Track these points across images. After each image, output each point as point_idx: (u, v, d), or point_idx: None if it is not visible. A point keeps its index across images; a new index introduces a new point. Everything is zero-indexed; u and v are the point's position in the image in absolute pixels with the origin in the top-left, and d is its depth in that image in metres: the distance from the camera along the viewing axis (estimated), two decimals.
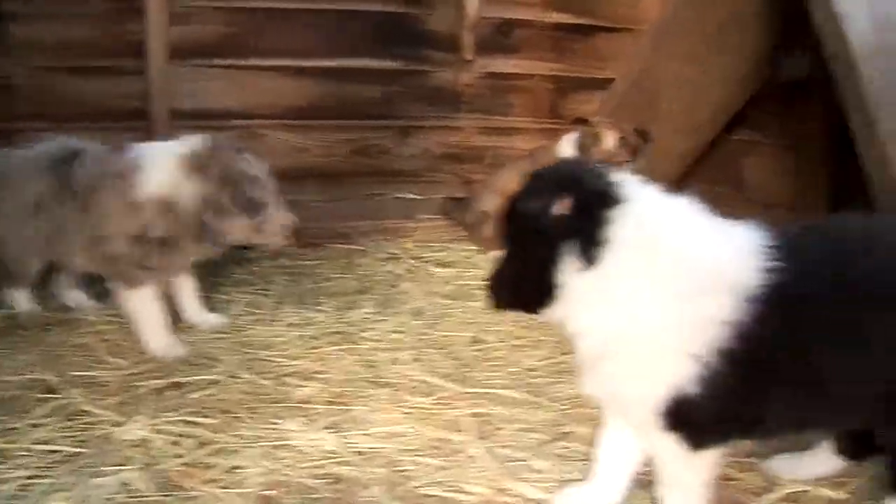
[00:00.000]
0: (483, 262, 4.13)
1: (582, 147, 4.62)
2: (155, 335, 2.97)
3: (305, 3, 5.39)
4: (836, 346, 1.80)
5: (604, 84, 5.92)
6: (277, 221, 3.04)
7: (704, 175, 5.96)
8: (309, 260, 4.21)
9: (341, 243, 4.51)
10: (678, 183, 6.02)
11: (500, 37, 5.79)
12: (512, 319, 3.27)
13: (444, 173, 5.66)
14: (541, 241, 1.88)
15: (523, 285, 1.96)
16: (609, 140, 4.53)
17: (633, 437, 2.05)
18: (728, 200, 5.50)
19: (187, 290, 3.27)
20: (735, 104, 5.57)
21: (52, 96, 5.19)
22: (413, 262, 4.20)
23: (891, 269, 1.83)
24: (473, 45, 5.70)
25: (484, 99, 5.79)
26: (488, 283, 2.04)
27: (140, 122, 5.15)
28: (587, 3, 5.86)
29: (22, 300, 3.38)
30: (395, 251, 4.39)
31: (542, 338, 3.17)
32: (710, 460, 1.93)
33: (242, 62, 5.32)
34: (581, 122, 4.72)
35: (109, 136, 4.98)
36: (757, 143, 5.62)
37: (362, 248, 4.48)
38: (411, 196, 5.42)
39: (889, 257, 1.86)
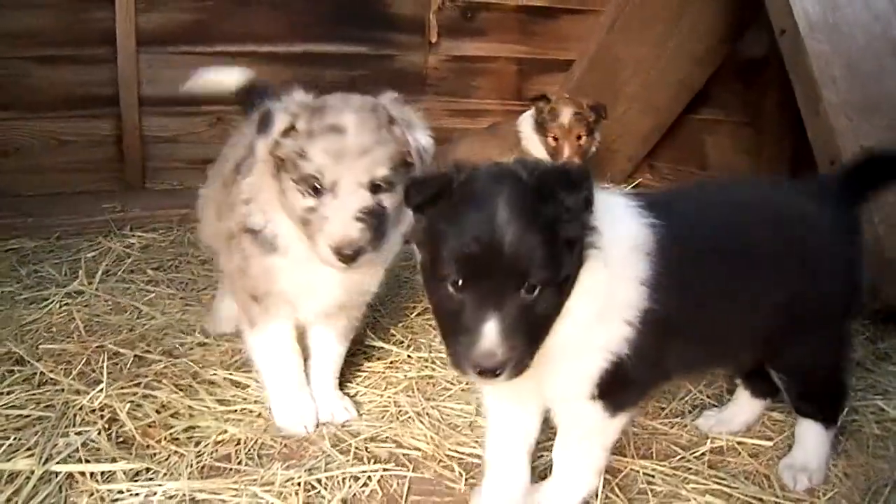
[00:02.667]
0: None
1: (539, 122, 4.74)
2: None
3: None
4: (712, 293, 2.06)
5: (567, 66, 6.04)
6: None
7: (668, 154, 6.09)
8: None
9: None
10: (642, 162, 6.15)
11: (464, 20, 5.90)
12: None
13: None
14: None
15: None
16: (566, 115, 4.64)
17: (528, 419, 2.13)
18: (691, 178, 5.66)
19: None
20: (695, 84, 5.69)
21: (22, 86, 5.25)
22: None
23: (741, 223, 2.17)
24: (438, 28, 5.79)
25: (449, 81, 5.90)
26: None
27: (110, 108, 5.22)
28: None
29: None
30: None
31: None
32: (623, 423, 2.08)
33: (210, 48, 5.39)
34: (540, 98, 4.84)
35: (78, 125, 5.14)
36: (719, 122, 5.75)
37: None
38: None
39: (738, 213, 2.20)
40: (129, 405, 2.44)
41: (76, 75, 5.19)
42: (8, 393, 2.53)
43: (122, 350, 2.83)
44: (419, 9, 5.74)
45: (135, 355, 2.81)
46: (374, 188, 2.26)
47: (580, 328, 1.85)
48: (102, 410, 2.42)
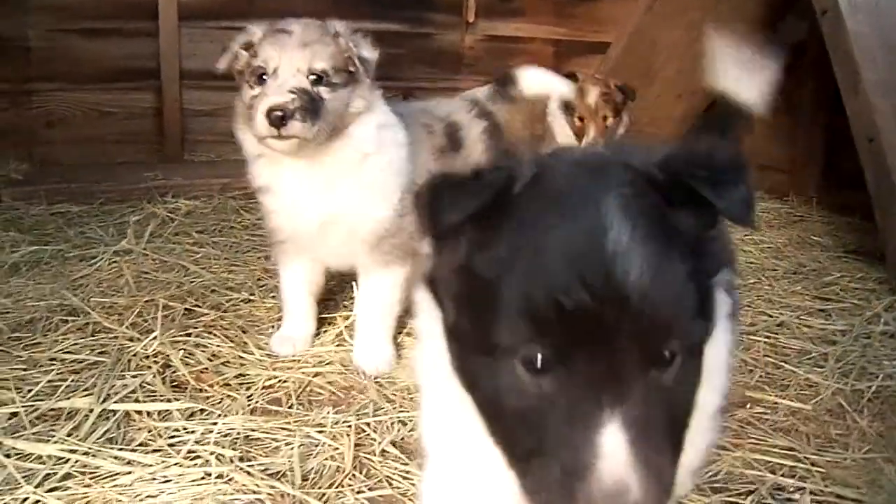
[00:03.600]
0: None
1: (566, 101, 4.76)
2: None
3: None
4: None
5: (604, 48, 6.05)
6: None
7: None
8: None
9: None
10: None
11: (502, 0, 5.93)
12: None
13: None
14: None
15: None
16: (593, 95, 4.65)
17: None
18: None
19: None
20: None
21: (66, 58, 5.35)
22: None
23: None
24: (476, 8, 5.84)
25: (485, 61, 5.93)
26: None
27: (151, 81, 5.31)
28: None
29: None
30: None
31: None
32: None
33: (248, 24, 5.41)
34: (570, 76, 4.86)
35: (120, 97, 5.23)
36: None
37: None
38: None
39: None
40: (181, 352, 2.51)
41: (119, 48, 5.28)
42: (63, 340, 2.61)
43: (171, 304, 2.89)
44: None
45: (184, 309, 2.88)
46: (315, 80, 2.46)
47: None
48: (156, 357, 2.49)
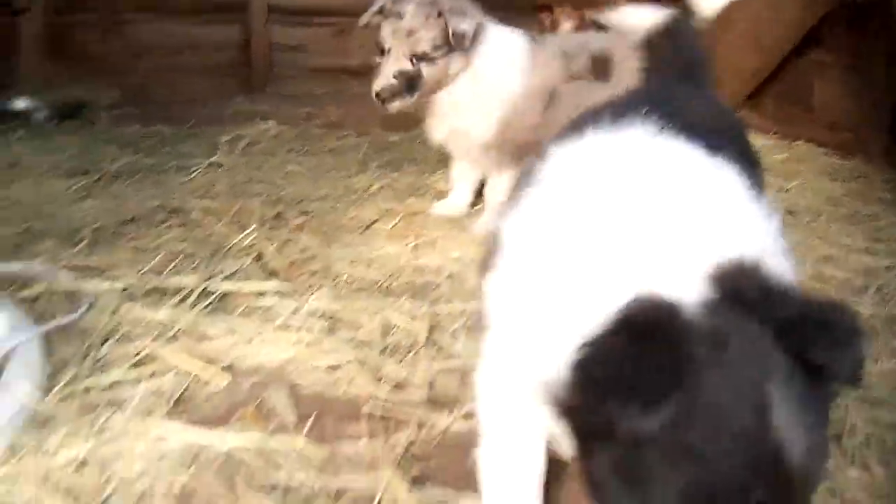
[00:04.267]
0: None
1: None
2: None
3: None
4: None
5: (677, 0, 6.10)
6: None
7: (774, 94, 6.13)
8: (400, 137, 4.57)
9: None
10: (747, 101, 6.20)
11: None
12: None
13: None
14: None
15: None
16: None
17: None
18: (796, 120, 5.72)
19: None
20: (807, 23, 5.70)
21: None
22: None
23: None
24: None
25: None
26: None
27: (240, 15, 5.53)
28: None
29: None
30: None
31: None
32: None
33: None
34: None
35: (208, 30, 5.47)
36: (827, 65, 5.76)
37: None
38: None
39: None
40: (274, 245, 2.76)
41: None
42: (166, 234, 2.89)
43: (263, 209, 3.15)
44: None
45: (275, 213, 3.13)
46: (416, 59, 3.01)
47: None
48: (251, 249, 2.75)
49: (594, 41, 3.32)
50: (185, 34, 5.47)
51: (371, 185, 3.54)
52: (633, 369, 1.00)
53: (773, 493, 1.00)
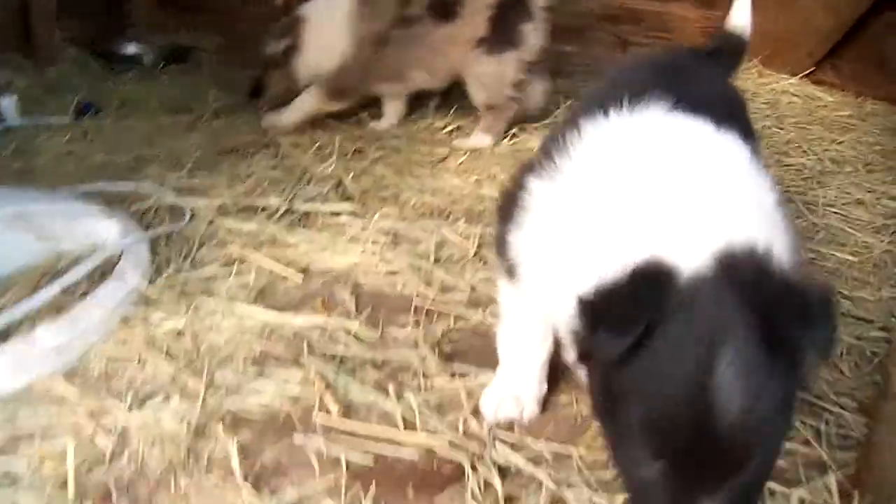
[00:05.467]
0: None
1: None
2: None
3: None
4: None
5: None
6: None
7: (850, 54, 6.19)
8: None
9: None
10: (823, 61, 6.26)
11: None
12: None
13: (602, 32, 6.15)
14: None
15: None
16: None
17: None
18: (871, 78, 5.78)
19: None
20: None
21: None
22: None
23: None
24: None
25: None
26: None
27: None
28: None
29: None
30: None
31: None
32: None
33: None
34: None
35: None
36: None
37: None
38: (569, 49, 5.96)
39: None
40: (352, 175, 3.12)
41: None
42: (259, 163, 3.27)
43: (345, 143, 3.49)
44: None
45: (357, 147, 3.48)
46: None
47: None
48: (332, 176, 3.11)
49: None
50: None
51: (446, 126, 3.84)
52: (615, 307, 1.26)
53: (706, 444, 1.21)
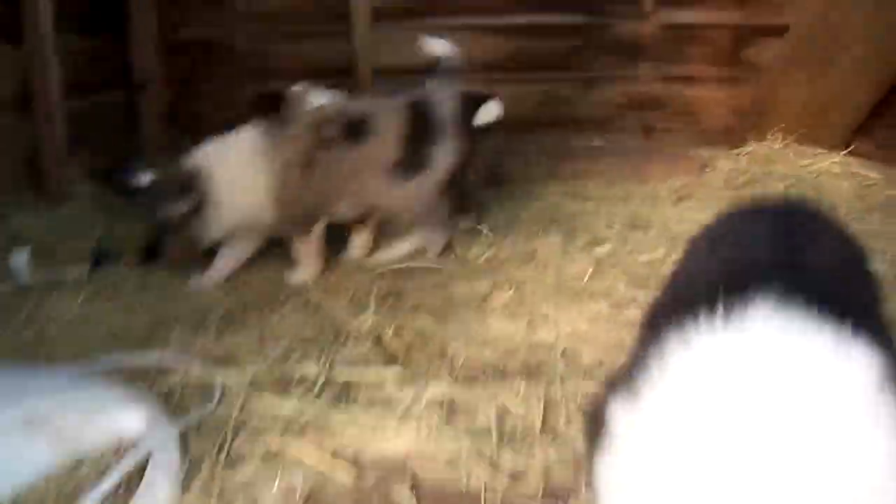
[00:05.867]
0: (658, 197, 4.51)
1: None
2: None
3: None
4: None
5: (784, 31, 6.00)
6: None
7: (885, 121, 5.96)
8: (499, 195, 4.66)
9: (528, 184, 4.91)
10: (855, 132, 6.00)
11: None
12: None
13: (627, 121, 5.99)
14: None
15: None
16: None
17: None
18: None
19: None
20: None
21: (269, 58, 5.90)
22: (594, 199, 4.55)
23: None
24: None
25: (665, 49, 6.03)
26: None
27: (345, 79, 5.74)
28: None
29: None
30: (578, 189, 4.75)
31: None
32: None
33: (437, 21, 5.79)
34: None
35: None
36: None
37: (548, 186, 4.84)
38: (595, 143, 5.79)
39: None
40: (392, 327, 2.86)
41: (316, 49, 5.78)
42: (291, 314, 3.04)
43: (380, 285, 3.27)
44: None
45: (389, 290, 3.25)
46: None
47: None
48: (370, 332, 2.85)
49: (352, 107, 3.59)
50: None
51: (481, 255, 3.62)
52: None
53: None
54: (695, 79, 6.05)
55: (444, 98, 3.62)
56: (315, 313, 3.08)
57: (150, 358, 2.72)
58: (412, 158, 3.46)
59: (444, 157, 3.52)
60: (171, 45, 6.09)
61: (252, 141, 3.39)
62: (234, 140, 3.43)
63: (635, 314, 2.96)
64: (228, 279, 3.53)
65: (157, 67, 6.01)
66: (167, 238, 3.42)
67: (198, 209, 3.34)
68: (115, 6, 5.84)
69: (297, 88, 3.86)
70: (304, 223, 3.48)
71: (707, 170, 5.10)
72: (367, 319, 2.94)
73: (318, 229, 3.51)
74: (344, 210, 3.55)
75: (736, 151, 5.43)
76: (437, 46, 3.76)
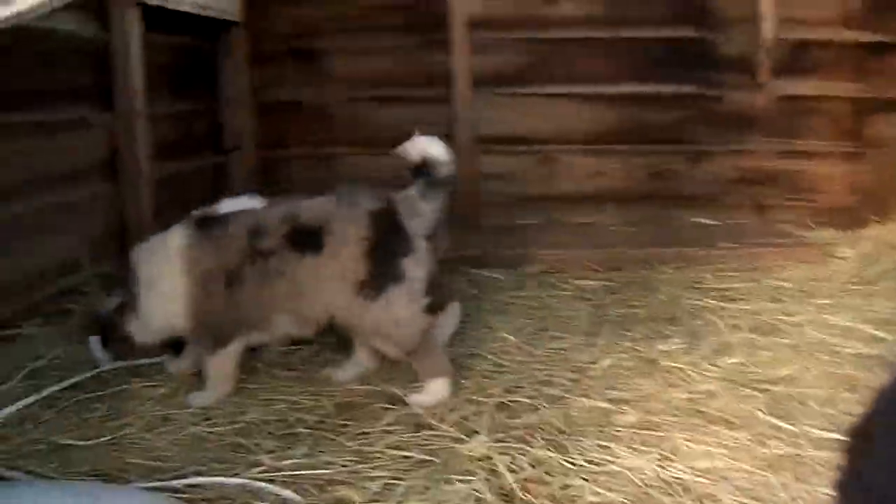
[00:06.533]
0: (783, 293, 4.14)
1: None
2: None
3: (599, 32, 5.57)
4: None
5: None
6: None
7: None
8: (613, 283, 4.34)
9: (642, 269, 4.58)
10: None
11: (796, 58, 5.69)
12: (828, 359, 3.27)
13: (738, 197, 5.67)
14: None
15: None
16: None
17: None
18: None
19: None
20: None
21: (363, 124, 5.71)
22: (713, 292, 4.20)
23: None
24: (768, 68, 5.65)
25: (779, 122, 5.71)
26: None
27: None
28: (888, 20, 5.60)
29: None
30: (695, 279, 4.41)
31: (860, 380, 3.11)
32: None
33: (540, 90, 5.58)
34: None
35: None
36: None
37: (662, 274, 4.51)
38: (706, 221, 5.46)
39: None
40: (507, 457, 2.52)
41: (413, 114, 5.55)
42: (390, 432, 2.73)
43: (484, 399, 2.95)
44: (749, 48, 5.63)
45: (501, 404, 2.92)
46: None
47: None
48: (482, 461, 2.52)
49: (303, 211, 3.07)
50: (393, 167, 5.47)
51: (597, 361, 3.28)
52: None
53: None
54: (811, 154, 5.71)
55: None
56: (417, 432, 2.76)
57: (233, 481, 2.44)
58: (380, 274, 2.99)
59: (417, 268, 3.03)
60: (262, 106, 5.95)
61: (177, 241, 3.06)
62: (164, 238, 3.11)
63: (781, 451, 2.62)
64: (313, 381, 3.23)
65: (247, 129, 5.86)
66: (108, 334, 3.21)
67: (125, 307, 3.11)
68: (206, 68, 5.72)
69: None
70: (218, 338, 3.09)
71: (829, 258, 4.71)
72: (479, 445, 2.60)
73: (235, 348, 3.12)
74: (288, 326, 3.13)
75: (857, 234, 5.05)
76: (431, 148, 3.15)
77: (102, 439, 2.76)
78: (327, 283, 2.99)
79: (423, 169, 3.08)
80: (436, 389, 3.01)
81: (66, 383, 3.14)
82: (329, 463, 2.55)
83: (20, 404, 2.97)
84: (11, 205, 3.65)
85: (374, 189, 3.16)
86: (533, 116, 5.58)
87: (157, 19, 4.66)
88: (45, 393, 3.06)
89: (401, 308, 2.99)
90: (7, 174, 3.62)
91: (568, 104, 5.55)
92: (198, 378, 3.17)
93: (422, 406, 2.92)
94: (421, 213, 3.03)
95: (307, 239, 2.99)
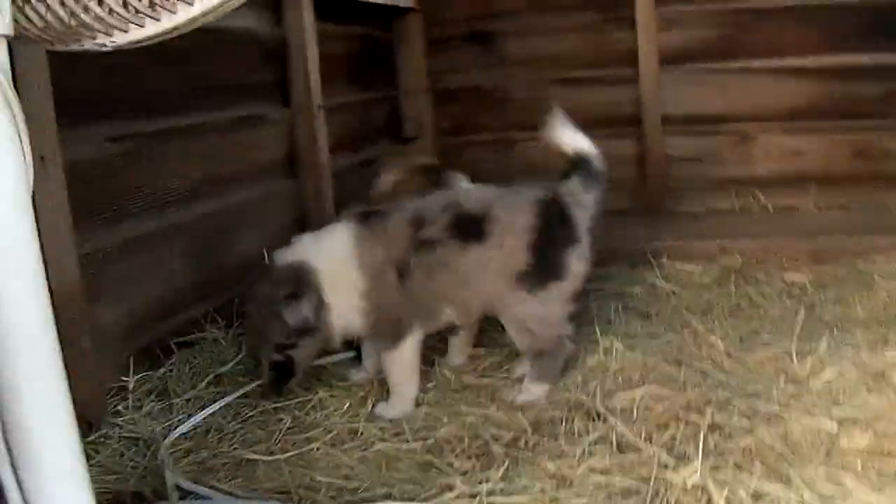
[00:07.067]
0: None
1: None
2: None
3: (797, 0, 5.17)
4: None
5: None
6: None
7: None
8: (823, 278, 3.98)
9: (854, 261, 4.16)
10: None
11: None
12: None
13: None
14: None
15: None
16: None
17: None
18: None
19: None
20: None
21: (544, 107, 5.48)
22: None
23: None
24: None
25: None
26: None
27: (631, 128, 5.28)
28: None
29: None
30: None
31: None
32: None
33: (733, 64, 5.26)
34: None
35: (601, 144, 5.23)
36: None
37: (880, 266, 4.08)
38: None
39: None
40: (724, 489, 2.26)
41: (597, 96, 5.34)
42: (592, 454, 2.51)
43: (691, 417, 2.68)
44: None
45: (708, 425, 2.62)
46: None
47: None
48: (696, 491, 2.28)
49: (465, 200, 3.02)
50: None
51: (818, 372, 2.94)
52: None
53: None
54: None
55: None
56: (623, 453, 2.53)
57: None
58: (542, 268, 2.93)
59: (579, 263, 2.98)
60: (439, 93, 5.85)
61: (346, 237, 2.98)
62: (330, 234, 3.03)
63: None
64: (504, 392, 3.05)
65: (427, 117, 5.78)
66: (298, 349, 2.99)
67: (320, 308, 2.94)
68: (382, 57, 5.66)
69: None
70: (394, 333, 3.00)
71: None
72: (694, 473, 2.35)
73: (411, 342, 3.01)
74: (452, 317, 3.08)
75: None
76: (580, 142, 3.16)
77: (288, 454, 2.69)
78: (490, 273, 2.94)
79: (579, 160, 3.08)
80: (536, 392, 2.96)
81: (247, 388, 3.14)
82: (526, 487, 2.37)
83: (206, 412, 2.97)
84: (199, 204, 3.67)
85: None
86: (726, 93, 5.22)
87: (330, 10, 4.64)
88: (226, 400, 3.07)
89: (556, 306, 2.97)
90: (193, 175, 3.63)
91: (763, 79, 5.16)
92: (383, 387, 3.06)
93: (518, 402, 2.94)
94: (585, 204, 3.00)
95: (471, 228, 2.94)
